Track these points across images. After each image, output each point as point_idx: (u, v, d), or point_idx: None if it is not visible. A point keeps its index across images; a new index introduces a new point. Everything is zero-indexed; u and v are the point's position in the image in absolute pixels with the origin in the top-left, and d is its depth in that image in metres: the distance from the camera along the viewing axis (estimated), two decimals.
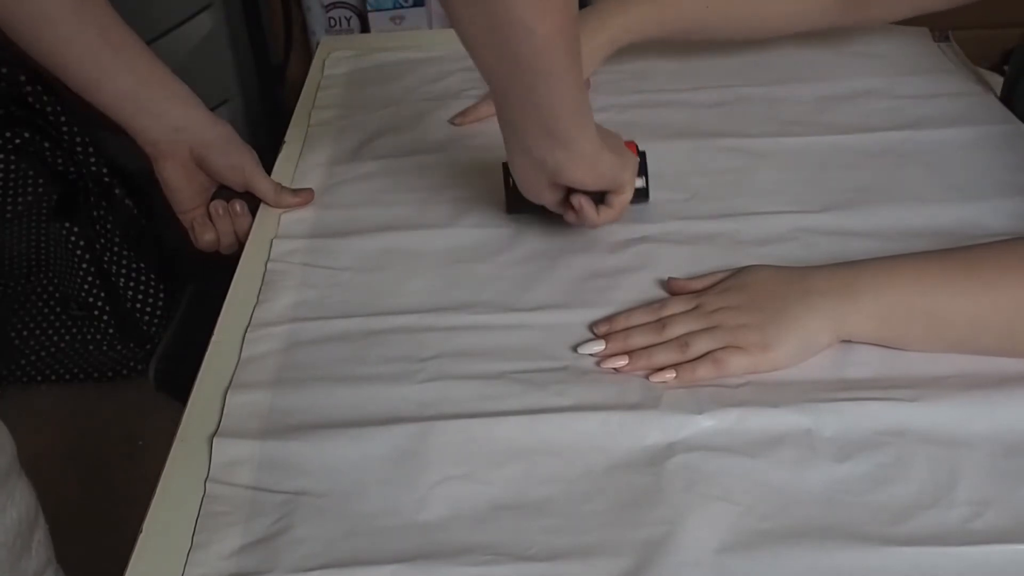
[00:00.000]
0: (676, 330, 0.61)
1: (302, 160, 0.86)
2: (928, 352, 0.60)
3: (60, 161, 1.44)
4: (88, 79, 0.72)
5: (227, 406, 0.59)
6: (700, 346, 0.59)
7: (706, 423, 0.56)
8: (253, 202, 0.80)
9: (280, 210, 0.79)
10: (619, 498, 0.53)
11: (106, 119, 0.75)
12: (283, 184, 0.80)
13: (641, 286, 0.68)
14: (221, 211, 0.79)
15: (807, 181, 0.79)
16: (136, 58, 0.74)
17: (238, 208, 0.79)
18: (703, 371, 0.59)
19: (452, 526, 0.51)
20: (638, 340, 0.61)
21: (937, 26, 0.95)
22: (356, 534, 0.51)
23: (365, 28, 1.72)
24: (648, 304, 0.64)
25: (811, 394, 0.57)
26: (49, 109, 1.41)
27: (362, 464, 0.55)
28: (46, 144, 1.42)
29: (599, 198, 0.68)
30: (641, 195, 0.74)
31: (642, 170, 0.74)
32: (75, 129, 1.43)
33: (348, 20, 1.79)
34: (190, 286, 1.61)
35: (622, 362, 0.60)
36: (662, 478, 0.53)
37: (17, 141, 1.40)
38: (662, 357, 0.60)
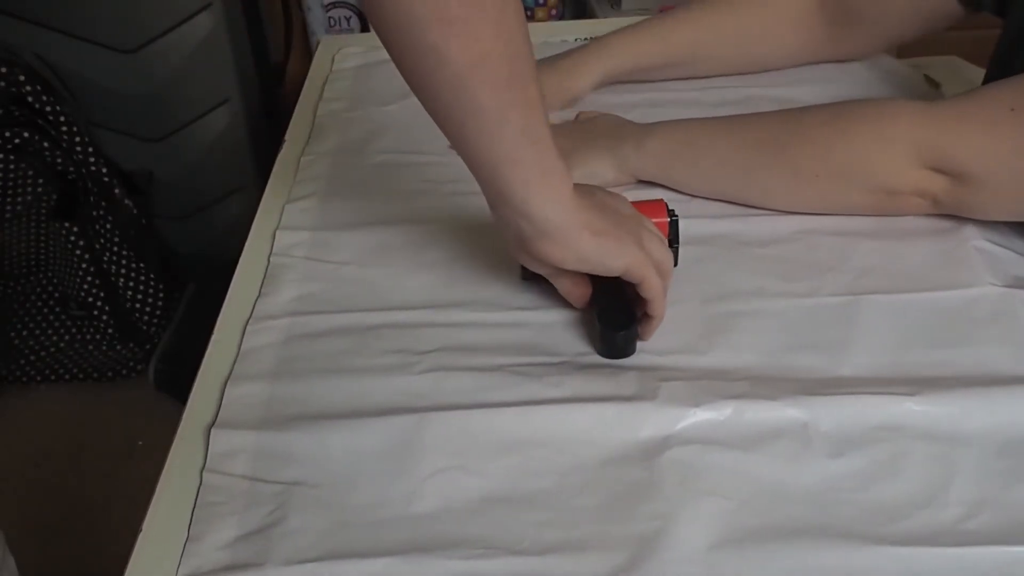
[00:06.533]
0: None
1: (307, 149, 0.86)
2: (695, 194, 0.75)
3: (60, 161, 1.44)
4: None
5: (225, 397, 0.59)
6: None
7: (702, 416, 0.56)
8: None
9: (285, 201, 0.78)
10: (612, 492, 0.52)
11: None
12: (286, 177, 0.80)
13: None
14: None
15: None
16: None
17: None
18: None
19: (445, 518, 0.51)
20: None
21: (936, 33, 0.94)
22: (349, 525, 0.51)
23: (365, 28, 1.72)
24: None
25: (808, 388, 0.57)
26: (49, 109, 1.41)
27: (357, 455, 0.55)
28: (46, 144, 1.42)
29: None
30: None
31: (673, 238, 0.63)
32: (75, 129, 1.43)
33: (348, 20, 1.79)
34: (190, 286, 1.61)
35: None
36: (656, 472, 0.53)
37: (17, 141, 1.40)
38: None
